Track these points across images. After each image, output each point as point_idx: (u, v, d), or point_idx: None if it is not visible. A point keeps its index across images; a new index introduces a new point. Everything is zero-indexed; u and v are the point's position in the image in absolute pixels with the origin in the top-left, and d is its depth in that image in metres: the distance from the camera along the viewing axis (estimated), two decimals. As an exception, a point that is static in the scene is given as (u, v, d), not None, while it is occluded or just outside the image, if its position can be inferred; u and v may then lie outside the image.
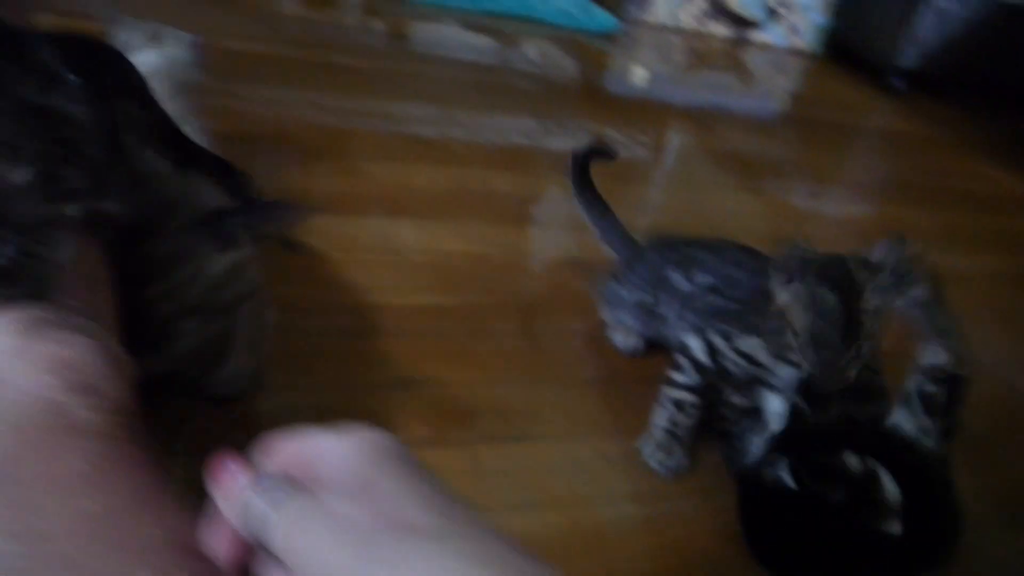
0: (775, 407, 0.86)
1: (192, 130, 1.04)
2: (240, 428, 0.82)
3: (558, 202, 1.48)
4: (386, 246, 1.20)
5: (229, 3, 2.00)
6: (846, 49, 2.76)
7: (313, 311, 1.03)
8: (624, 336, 1.10)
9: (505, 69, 2.04)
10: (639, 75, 2.33)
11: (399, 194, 1.34)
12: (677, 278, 0.99)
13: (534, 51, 2.21)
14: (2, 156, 0.44)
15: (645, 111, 2.04)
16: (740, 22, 2.66)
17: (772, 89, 2.64)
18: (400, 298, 1.09)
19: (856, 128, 2.47)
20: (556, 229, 1.37)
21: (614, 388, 1.05)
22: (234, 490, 0.37)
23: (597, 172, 1.19)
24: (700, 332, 0.90)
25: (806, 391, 0.85)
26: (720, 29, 2.64)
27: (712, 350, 0.89)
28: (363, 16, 2.22)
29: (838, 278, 0.78)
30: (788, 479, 0.80)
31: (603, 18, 2.39)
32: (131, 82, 0.57)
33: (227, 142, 1.19)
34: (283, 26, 1.90)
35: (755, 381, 0.88)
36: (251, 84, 1.61)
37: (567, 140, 1.74)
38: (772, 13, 2.65)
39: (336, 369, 0.95)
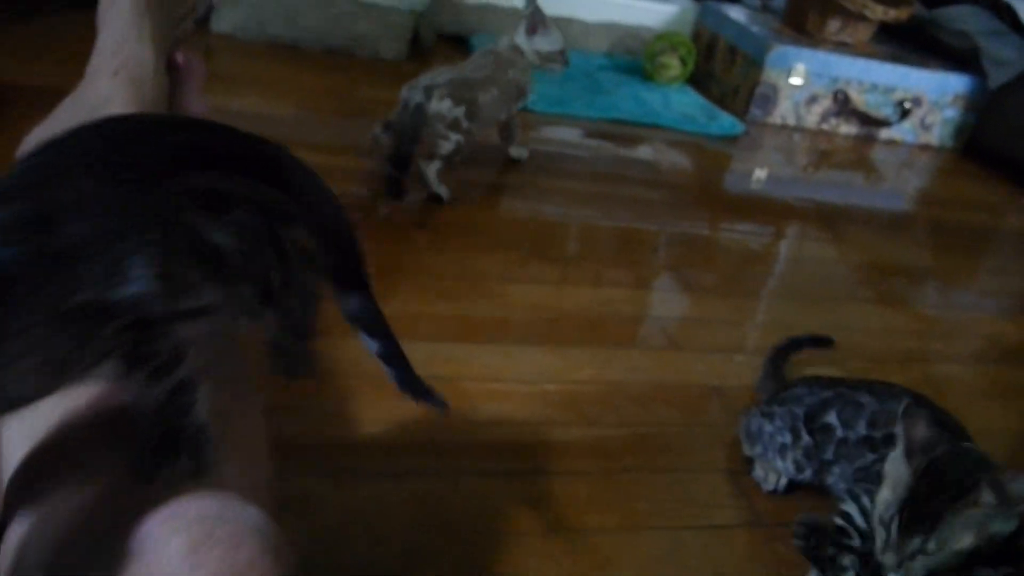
0: None
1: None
2: None
3: (689, 323, 1.45)
4: (517, 375, 1.18)
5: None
6: (982, 146, 2.65)
7: (449, 449, 1.02)
8: (769, 475, 1.05)
9: (625, 176, 2.04)
10: (760, 175, 2.29)
11: (525, 316, 1.33)
12: (835, 423, 0.95)
13: (654, 155, 2.20)
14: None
15: (766, 210, 2.00)
16: (869, 121, 2.59)
17: (900, 187, 2.55)
18: (533, 433, 1.07)
19: (993, 229, 2.35)
20: (690, 352, 1.33)
21: (759, 534, 1.00)
22: None
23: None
24: (856, 499, 0.85)
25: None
26: (847, 128, 2.58)
27: (865, 513, 0.85)
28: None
29: (951, 482, 0.74)
30: None
31: (727, 122, 2.37)
32: (303, 206, 0.55)
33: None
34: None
35: None
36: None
37: (691, 252, 1.71)
38: (903, 111, 2.57)
39: (473, 511, 0.93)
